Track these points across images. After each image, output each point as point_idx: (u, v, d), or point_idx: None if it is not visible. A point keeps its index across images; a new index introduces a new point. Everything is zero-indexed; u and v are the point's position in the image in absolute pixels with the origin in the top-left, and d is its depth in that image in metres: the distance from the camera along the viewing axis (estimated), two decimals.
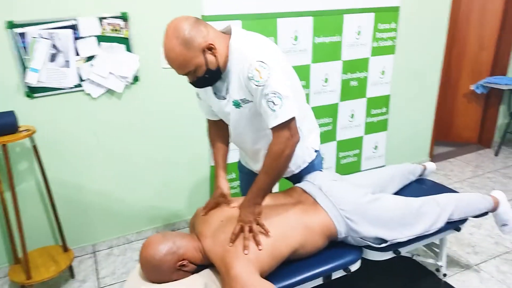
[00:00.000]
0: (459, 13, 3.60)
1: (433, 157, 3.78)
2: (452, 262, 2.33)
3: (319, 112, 2.94)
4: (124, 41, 2.31)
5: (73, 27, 2.18)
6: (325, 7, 2.72)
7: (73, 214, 2.47)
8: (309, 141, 1.75)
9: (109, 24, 2.26)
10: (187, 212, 2.82)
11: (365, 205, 1.67)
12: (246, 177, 1.92)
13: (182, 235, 1.53)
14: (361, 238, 1.64)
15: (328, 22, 2.77)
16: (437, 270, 2.11)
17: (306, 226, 1.56)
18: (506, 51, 3.75)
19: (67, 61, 2.22)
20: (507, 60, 3.77)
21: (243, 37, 1.46)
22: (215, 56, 1.40)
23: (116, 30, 2.29)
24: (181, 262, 1.43)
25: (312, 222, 1.58)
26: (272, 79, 1.35)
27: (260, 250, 1.40)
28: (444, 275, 2.08)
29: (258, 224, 1.47)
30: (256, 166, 1.77)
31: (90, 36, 2.23)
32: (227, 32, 1.48)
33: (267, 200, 1.65)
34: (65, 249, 2.30)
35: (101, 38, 2.26)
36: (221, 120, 1.72)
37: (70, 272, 2.34)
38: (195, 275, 1.48)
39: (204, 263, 1.51)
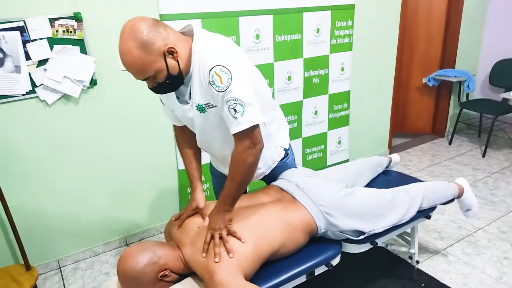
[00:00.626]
0: (408, 10, 3.75)
1: (392, 149, 3.92)
2: (421, 248, 2.42)
3: (284, 110, 2.87)
4: (79, 42, 2.18)
5: (21, 29, 2.02)
6: (285, 5, 2.72)
7: (32, 229, 2.30)
8: (277, 140, 1.72)
9: (61, 25, 2.12)
10: (156, 219, 2.72)
11: (342, 199, 1.68)
12: (218, 180, 1.86)
13: (161, 244, 1.46)
14: (340, 232, 1.65)
15: (288, 20, 2.77)
16: (410, 257, 2.18)
17: (287, 224, 1.54)
18: (453, 44, 3.97)
19: (17, 66, 2.06)
20: (455, 53, 3.99)
21: (205, 39, 1.39)
22: (176, 60, 1.32)
23: (69, 31, 2.15)
24: (162, 272, 1.37)
25: (292, 219, 1.56)
26: (234, 84, 1.29)
27: (231, 258, 1.35)
28: (417, 262, 2.15)
29: (229, 231, 1.43)
30: (227, 170, 1.72)
31: (41, 38, 2.08)
32: (188, 33, 1.41)
33: (245, 201, 1.63)
34: (28, 267, 2.13)
35: (53, 41, 2.12)
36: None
37: None
38: (176, 285, 1.42)
39: (186, 272, 1.45)
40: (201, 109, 1.42)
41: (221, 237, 1.40)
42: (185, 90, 1.45)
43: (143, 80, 1.33)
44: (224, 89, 1.28)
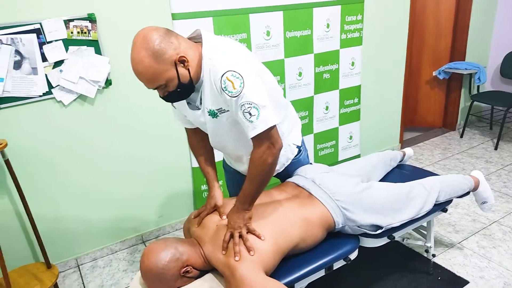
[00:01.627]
0: (417, 2, 3.72)
1: (403, 143, 3.91)
2: (436, 242, 2.42)
3: (295, 106, 2.90)
4: (93, 43, 2.21)
5: (37, 31, 2.05)
6: (295, 1, 2.72)
7: (51, 228, 2.34)
8: (290, 138, 1.72)
9: (75, 26, 2.15)
10: (170, 217, 2.75)
11: (359, 194, 1.69)
12: (232, 176, 1.88)
13: (183, 240, 1.48)
14: (358, 227, 1.66)
15: (298, 16, 2.77)
16: (426, 251, 2.18)
17: (305, 219, 1.55)
18: (463, 36, 3.93)
19: (34, 68, 2.09)
20: (465, 45, 3.96)
21: (214, 44, 1.37)
22: (187, 69, 1.31)
23: (83, 32, 2.18)
24: (185, 268, 1.38)
25: (310, 215, 1.57)
26: (246, 88, 1.28)
27: (252, 255, 1.36)
28: (433, 255, 2.15)
29: (248, 229, 1.43)
30: (241, 167, 1.74)
31: (56, 40, 2.11)
32: (197, 38, 1.41)
33: (263, 198, 1.64)
34: (48, 265, 2.17)
35: (68, 42, 2.14)
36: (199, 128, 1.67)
37: None
38: (198, 280, 1.44)
39: (207, 268, 1.47)
40: (213, 114, 1.43)
41: (241, 236, 1.41)
42: (196, 96, 1.45)
43: (154, 89, 1.33)
44: (238, 94, 1.28)
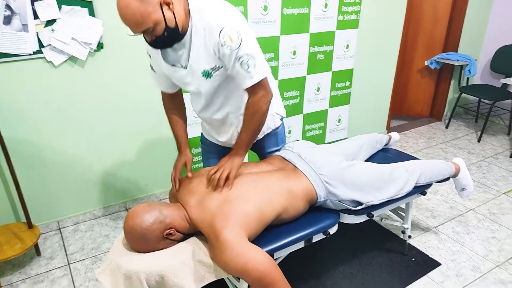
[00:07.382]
0: None
1: (389, 130, 3.96)
2: (413, 225, 2.50)
3: (287, 84, 2.96)
4: (87, 4, 2.17)
5: None
6: None
7: (34, 189, 2.34)
8: (274, 106, 1.75)
9: None
10: (156, 186, 2.77)
11: (342, 170, 1.73)
12: (208, 148, 1.92)
13: (167, 204, 1.50)
14: (339, 201, 1.70)
15: None
16: (403, 232, 2.25)
17: (289, 191, 1.59)
18: (458, 27, 3.96)
19: (25, 25, 2.05)
20: (459, 36, 3.99)
21: (201, 1, 1.41)
22: (172, 12, 1.34)
23: None
24: (168, 230, 1.41)
25: (294, 186, 1.61)
26: (244, 41, 1.38)
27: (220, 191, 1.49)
28: (409, 236, 2.22)
29: (229, 176, 1.52)
30: (221, 137, 1.76)
31: None
32: None
33: (252, 168, 1.68)
34: (30, 225, 2.17)
35: (62, 1, 2.10)
36: (176, 93, 1.72)
37: (35, 250, 2.22)
38: (181, 243, 1.47)
39: (190, 232, 1.50)
40: (207, 74, 1.48)
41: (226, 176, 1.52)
42: (183, 53, 1.47)
43: (142, 33, 1.35)
44: (237, 47, 1.37)
